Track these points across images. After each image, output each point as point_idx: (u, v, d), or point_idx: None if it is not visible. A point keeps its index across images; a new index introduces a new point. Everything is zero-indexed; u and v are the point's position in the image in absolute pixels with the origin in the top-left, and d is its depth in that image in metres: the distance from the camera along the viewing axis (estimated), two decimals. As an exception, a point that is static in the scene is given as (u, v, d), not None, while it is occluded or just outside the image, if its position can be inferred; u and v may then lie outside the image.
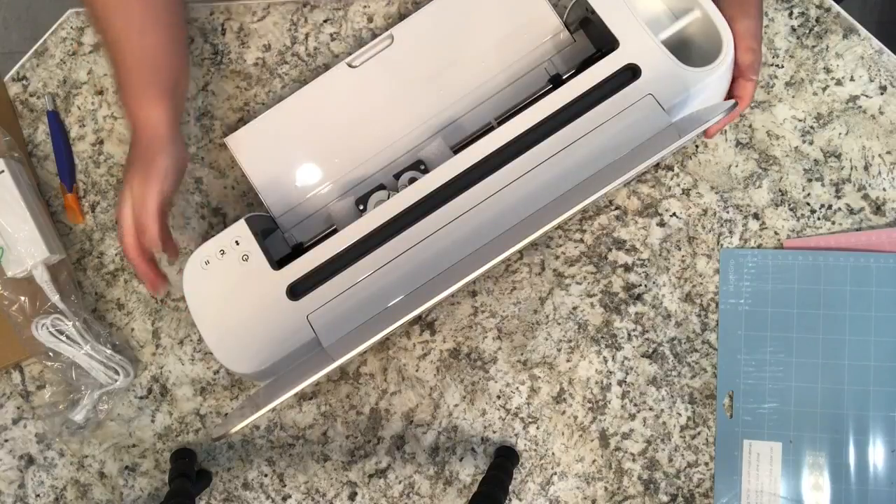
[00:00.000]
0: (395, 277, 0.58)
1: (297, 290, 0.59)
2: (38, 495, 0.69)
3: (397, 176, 0.63)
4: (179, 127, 0.60)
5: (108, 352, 0.67)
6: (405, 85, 0.64)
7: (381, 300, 0.58)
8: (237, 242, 0.60)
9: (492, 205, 0.57)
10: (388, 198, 0.59)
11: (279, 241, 0.65)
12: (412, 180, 0.61)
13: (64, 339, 0.66)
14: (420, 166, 0.63)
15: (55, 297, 0.65)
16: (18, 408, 0.69)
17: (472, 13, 0.64)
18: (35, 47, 0.70)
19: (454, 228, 0.57)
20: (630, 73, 0.57)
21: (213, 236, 0.61)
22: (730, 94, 0.59)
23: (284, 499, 0.68)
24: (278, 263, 0.60)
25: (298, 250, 0.62)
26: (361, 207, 0.63)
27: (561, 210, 0.51)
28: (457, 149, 0.63)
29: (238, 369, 0.59)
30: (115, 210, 0.68)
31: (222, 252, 0.60)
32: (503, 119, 0.62)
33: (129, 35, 0.58)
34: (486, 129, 0.63)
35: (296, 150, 0.65)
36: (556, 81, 0.62)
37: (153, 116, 0.58)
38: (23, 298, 0.66)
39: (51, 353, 0.66)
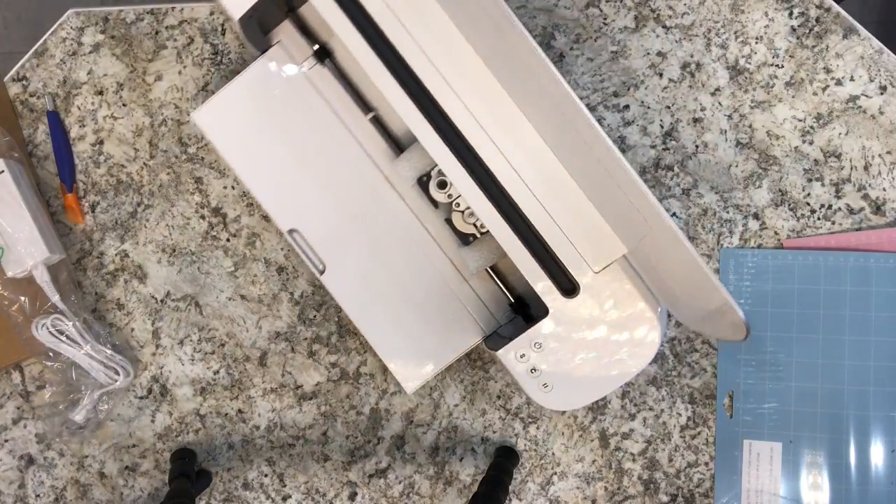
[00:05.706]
0: None
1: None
2: (38, 495, 0.69)
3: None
4: None
5: (108, 352, 0.67)
6: None
7: None
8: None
9: None
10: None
11: None
12: None
13: (64, 339, 0.66)
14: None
15: (55, 297, 0.65)
16: (18, 408, 0.69)
17: None
18: (35, 47, 0.70)
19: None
20: None
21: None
22: None
23: (284, 499, 0.68)
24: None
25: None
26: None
27: None
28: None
29: None
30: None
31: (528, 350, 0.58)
32: None
33: None
34: None
35: None
36: None
37: None
38: (23, 298, 0.66)
39: (51, 353, 0.66)
